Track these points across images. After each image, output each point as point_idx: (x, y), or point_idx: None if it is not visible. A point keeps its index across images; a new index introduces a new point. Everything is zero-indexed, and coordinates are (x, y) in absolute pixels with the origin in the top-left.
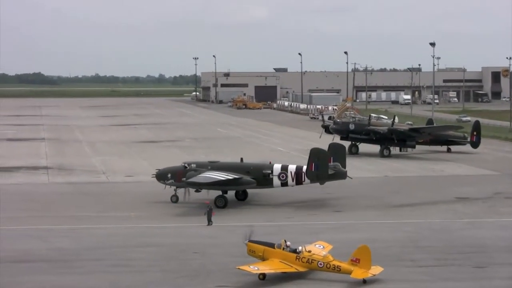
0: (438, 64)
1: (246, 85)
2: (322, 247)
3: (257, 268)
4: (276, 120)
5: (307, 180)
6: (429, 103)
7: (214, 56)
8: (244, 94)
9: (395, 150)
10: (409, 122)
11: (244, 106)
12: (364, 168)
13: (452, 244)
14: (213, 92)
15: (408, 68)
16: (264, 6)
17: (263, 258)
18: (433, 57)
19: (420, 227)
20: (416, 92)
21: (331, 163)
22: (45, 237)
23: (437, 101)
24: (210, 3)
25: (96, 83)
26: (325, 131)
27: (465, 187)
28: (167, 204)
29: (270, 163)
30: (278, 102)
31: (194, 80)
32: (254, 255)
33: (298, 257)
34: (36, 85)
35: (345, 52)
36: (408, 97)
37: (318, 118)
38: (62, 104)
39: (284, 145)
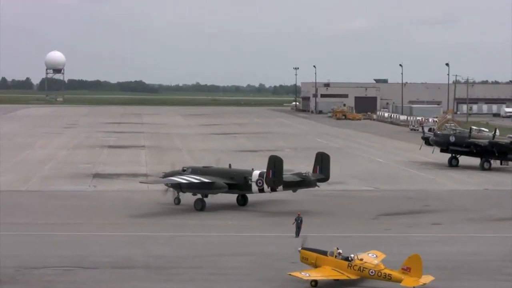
0: None
1: (346, 96)
2: (375, 256)
3: (308, 274)
4: (375, 131)
5: (280, 187)
6: None
7: (314, 66)
8: (344, 105)
9: (495, 163)
10: (511, 135)
11: (343, 117)
12: (464, 180)
13: None
14: (313, 102)
15: (510, 81)
16: (365, 16)
17: (315, 266)
18: None
19: None
20: None
21: (311, 172)
22: (144, 244)
23: None
24: (311, 14)
25: (196, 92)
26: (425, 143)
27: None
28: (264, 213)
29: (252, 169)
30: (378, 113)
31: (294, 90)
32: (307, 262)
33: (350, 265)
34: (137, 93)
35: (447, 64)
36: (510, 109)
37: (418, 130)
38: (162, 112)
39: (383, 157)
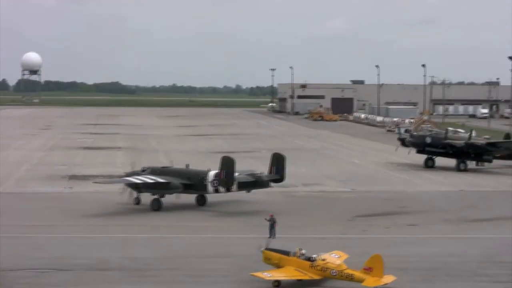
0: None
1: (322, 97)
2: (337, 256)
3: (270, 275)
4: (352, 133)
5: (235, 188)
6: (507, 117)
7: (291, 67)
8: (321, 106)
9: (471, 164)
10: (487, 136)
11: (320, 118)
12: (440, 181)
13: None
14: (290, 103)
15: (486, 82)
16: (341, 18)
17: (278, 266)
18: None
19: (496, 242)
20: (494, 106)
21: (266, 172)
22: (121, 246)
23: None
24: (288, 15)
25: (173, 93)
26: (402, 144)
27: None
28: (240, 214)
29: (208, 170)
30: (354, 114)
31: (271, 91)
32: (270, 262)
33: (312, 265)
34: (114, 94)
35: (423, 65)
36: (486, 111)
37: (394, 131)
38: (139, 114)
39: (360, 158)
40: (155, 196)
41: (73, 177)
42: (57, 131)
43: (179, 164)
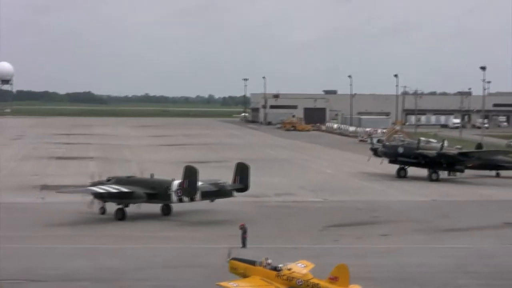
0: (488, 88)
1: (295, 107)
2: (303, 266)
3: (236, 285)
4: (324, 143)
5: (198, 197)
6: (479, 127)
7: (263, 77)
8: (294, 116)
9: (443, 174)
10: (458, 146)
11: (293, 128)
12: (412, 191)
13: (499, 270)
14: (262, 113)
15: (458, 92)
16: (314, 28)
17: (245, 276)
18: (484, 81)
19: (467, 252)
20: (466, 116)
21: (229, 182)
22: (92, 256)
23: (486, 125)
24: (260, 25)
25: (145, 103)
26: (374, 154)
27: None
28: (210, 224)
29: (172, 179)
30: (327, 124)
31: (244, 101)
32: (236, 272)
33: (278, 275)
34: (86, 104)
35: (395, 75)
36: (458, 121)
37: (367, 141)
38: (111, 123)
39: (332, 168)
40: (119, 206)
41: (45, 187)
42: (29, 141)
43: (148, 174)
